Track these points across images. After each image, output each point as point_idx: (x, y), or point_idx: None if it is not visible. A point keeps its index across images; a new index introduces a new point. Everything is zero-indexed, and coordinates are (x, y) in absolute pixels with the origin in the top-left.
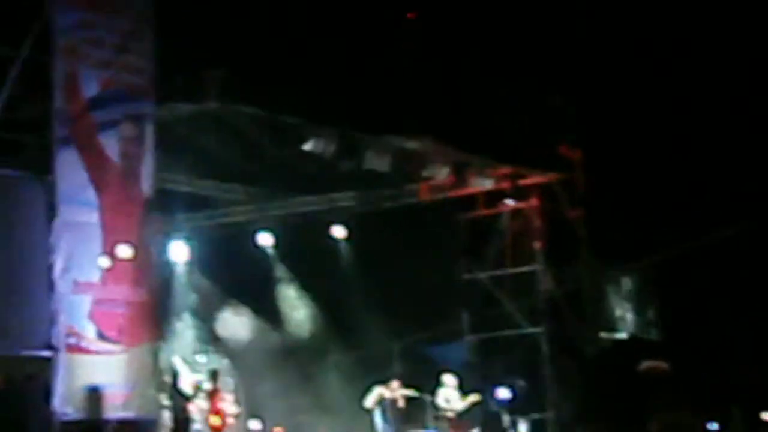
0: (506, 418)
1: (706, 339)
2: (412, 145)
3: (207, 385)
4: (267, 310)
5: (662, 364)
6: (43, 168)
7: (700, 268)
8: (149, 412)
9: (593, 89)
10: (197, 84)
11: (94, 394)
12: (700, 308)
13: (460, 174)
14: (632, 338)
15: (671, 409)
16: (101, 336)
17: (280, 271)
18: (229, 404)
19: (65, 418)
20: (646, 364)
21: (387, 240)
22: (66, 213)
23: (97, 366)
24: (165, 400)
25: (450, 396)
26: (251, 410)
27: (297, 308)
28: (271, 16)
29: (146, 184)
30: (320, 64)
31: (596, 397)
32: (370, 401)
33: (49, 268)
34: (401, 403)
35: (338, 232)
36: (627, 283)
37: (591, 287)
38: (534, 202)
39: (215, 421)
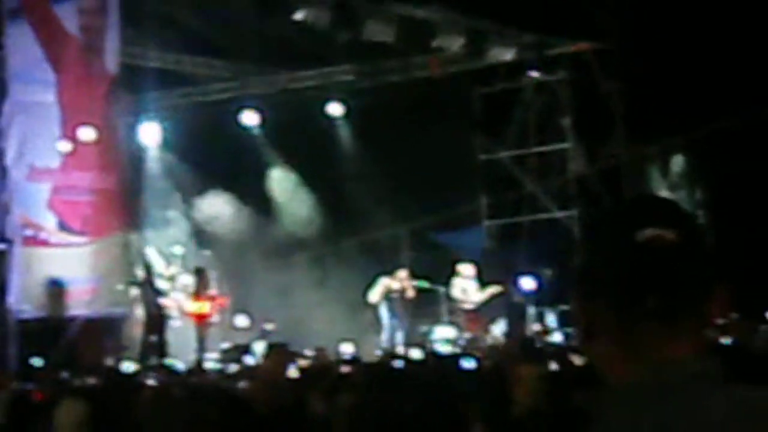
0: (531, 310)
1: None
2: (420, 12)
3: (184, 279)
4: (254, 196)
5: (669, 233)
6: None
7: (751, 147)
8: (118, 308)
9: None
10: None
11: (56, 289)
12: (752, 188)
13: (475, 44)
14: None
15: (671, 288)
16: (63, 227)
17: (268, 153)
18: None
19: (22, 316)
20: (647, 232)
21: (391, 118)
22: (18, 92)
23: (59, 259)
24: (137, 296)
25: (467, 287)
26: (237, 305)
27: (289, 194)
28: None
29: (111, 60)
30: None
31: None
32: (375, 294)
33: (1, 153)
34: (410, 295)
35: (335, 109)
36: (675, 161)
37: (628, 166)
38: (562, 74)
39: (202, 308)
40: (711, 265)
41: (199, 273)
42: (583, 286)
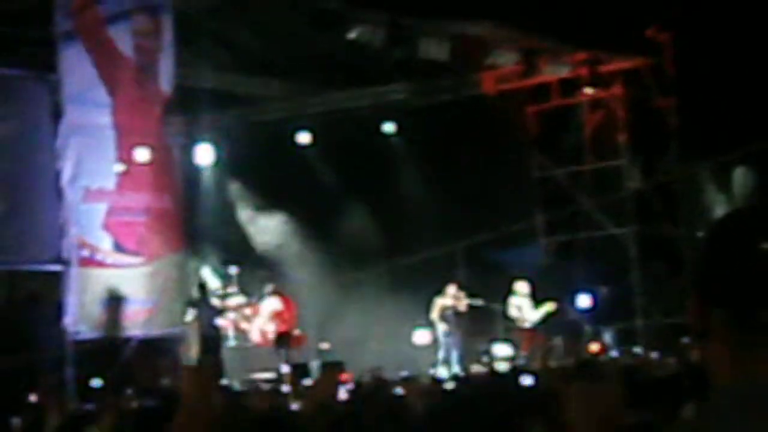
0: (588, 328)
1: None
2: (473, 29)
3: (233, 301)
4: (310, 216)
5: None
6: (47, 66)
7: None
8: (175, 329)
9: None
10: None
11: (112, 311)
12: None
13: (529, 61)
14: None
15: None
16: (118, 248)
17: (323, 173)
18: (265, 320)
19: (78, 337)
20: None
21: (446, 136)
22: (73, 114)
23: (115, 280)
24: (192, 316)
25: (522, 305)
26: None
27: (344, 212)
28: None
29: (165, 81)
30: None
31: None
32: (434, 313)
33: (57, 175)
34: (462, 309)
35: (388, 128)
36: (737, 175)
37: (684, 182)
38: (617, 90)
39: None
40: None
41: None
42: (703, 292)
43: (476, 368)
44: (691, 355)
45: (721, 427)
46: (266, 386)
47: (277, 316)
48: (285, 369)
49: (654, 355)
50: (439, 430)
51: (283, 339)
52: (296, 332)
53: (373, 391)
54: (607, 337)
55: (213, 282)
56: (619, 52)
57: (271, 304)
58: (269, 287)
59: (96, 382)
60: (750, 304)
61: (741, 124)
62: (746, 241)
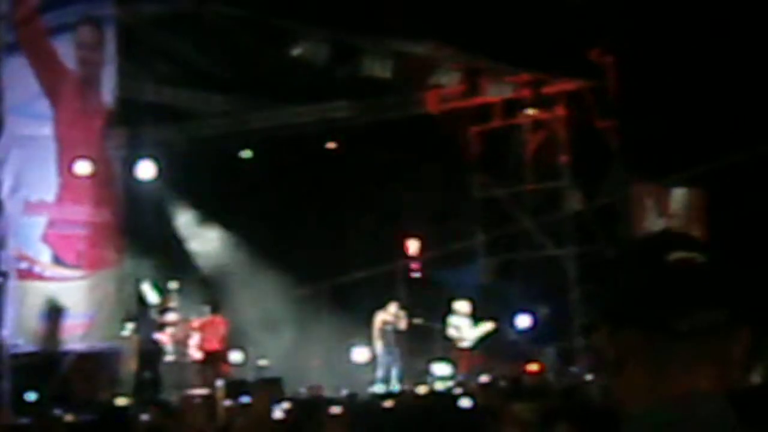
0: (527, 349)
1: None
2: (416, 49)
3: (172, 316)
4: (251, 232)
5: (698, 256)
6: None
7: (748, 182)
8: (113, 343)
9: None
10: None
11: (50, 324)
12: (753, 226)
13: (472, 81)
14: None
15: (705, 307)
16: (57, 260)
17: (265, 189)
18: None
19: (16, 350)
20: (676, 255)
21: (388, 154)
22: (15, 126)
23: (53, 293)
24: (131, 330)
25: (461, 324)
26: (231, 341)
27: (286, 229)
28: None
29: (108, 94)
30: None
31: None
32: (375, 327)
33: None
34: (402, 327)
35: (331, 145)
36: (674, 197)
37: (624, 204)
38: (559, 111)
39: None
40: (740, 295)
41: (213, 304)
42: (612, 315)
43: (415, 387)
44: None
45: None
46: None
47: (209, 333)
48: (219, 384)
49: (590, 376)
50: None
51: (210, 358)
52: (224, 355)
53: (310, 409)
54: (547, 357)
55: (152, 297)
56: (562, 74)
57: (207, 321)
58: (207, 305)
59: (30, 396)
60: (665, 318)
61: (681, 146)
62: (654, 256)
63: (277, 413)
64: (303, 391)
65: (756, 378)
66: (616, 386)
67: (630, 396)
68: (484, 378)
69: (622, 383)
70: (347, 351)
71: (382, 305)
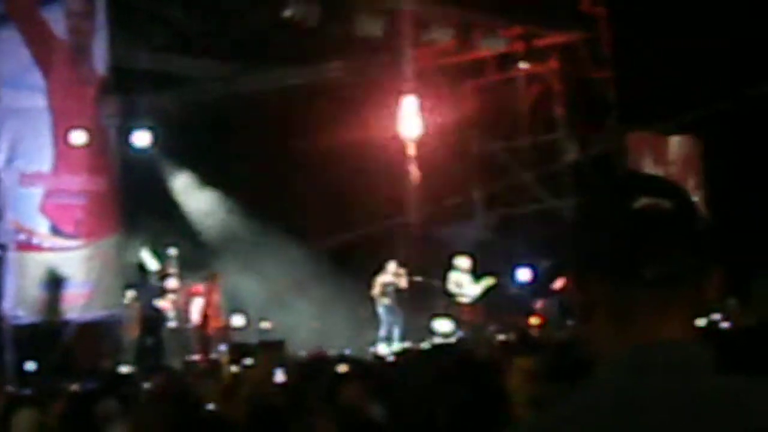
0: (528, 302)
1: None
2: (408, 5)
3: (173, 282)
4: (249, 196)
5: (664, 201)
6: None
7: (742, 128)
8: (114, 311)
9: None
10: None
11: (51, 294)
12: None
13: (465, 36)
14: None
15: (671, 254)
16: (55, 231)
17: (260, 152)
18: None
19: (17, 322)
20: (642, 201)
21: (382, 111)
22: (7, 97)
23: (53, 263)
24: (132, 298)
25: (462, 280)
26: (233, 305)
27: (283, 191)
28: None
29: (100, 63)
30: None
31: None
32: (375, 290)
33: None
34: (403, 285)
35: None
36: (671, 144)
37: (620, 154)
38: (553, 64)
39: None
40: (708, 239)
41: (212, 278)
42: (579, 261)
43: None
44: None
45: (609, 398)
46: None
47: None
48: (223, 349)
49: None
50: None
51: (206, 323)
52: (217, 320)
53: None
54: (548, 310)
55: (152, 264)
56: (554, 27)
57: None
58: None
59: (30, 366)
60: (632, 265)
61: (677, 93)
62: (620, 202)
63: (279, 376)
64: (304, 353)
65: (750, 320)
66: (585, 333)
67: (599, 343)
68: (486, 332)
69: (591, 330)
70: (348, 311)
71: (381, 263)
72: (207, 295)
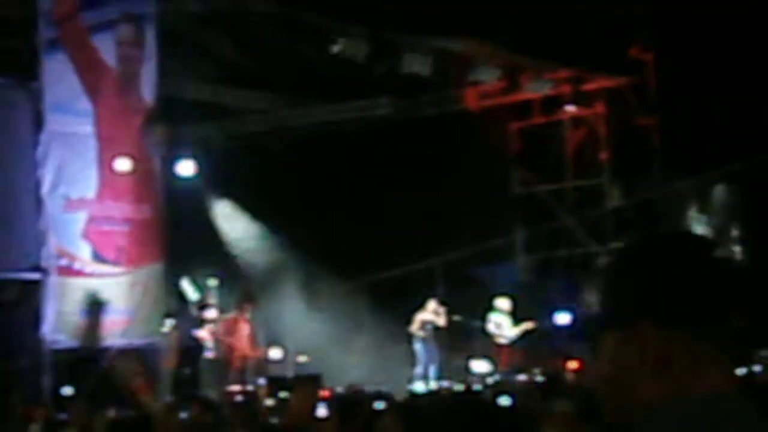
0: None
1: None
2: (456, 45)
3: (212, 313)
4: (292, 229)
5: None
6: (28, 74)
7: None
8: (153, 339)
9: None
10: None
11: (91, 320)
12: None
13: (512, 78)
14: None
15: (744, 307)
16: (97, 257)
17: (304, 185)
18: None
19: (56, 346)
20: (718, 254)
21: (427, 151)
22: (55, 123)
23: (94, 289)
24: (171, 327)
25: (502, 321)
26: (271, 337)
27: (326, 226)
28: None
29: (148, 92)
30: None
31: None
32: (413, 327)
33: (37, 183)
34: (442, 323)
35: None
36: (716, 193)
37: (664, 201)
38: (599, 108)
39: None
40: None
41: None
42: (654, 312)
43: (454, 385)
44: None
45: None
46: (240, 398)
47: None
48: (261, 382)
49: None
50: None
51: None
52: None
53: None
54: (587, 354)
55: (192, 293)
56: (602, 71)
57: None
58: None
59: (67, 391)
60: (715, 316)
61: (722, 142)
62: (700, 254)
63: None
64: (340, 389)
65: None
66: (617, 377)
67: (663, 393)
68: (522, 376)
69: (659, 378)
70: (387, 348)
71: (421, 302)
72: (233, 324)
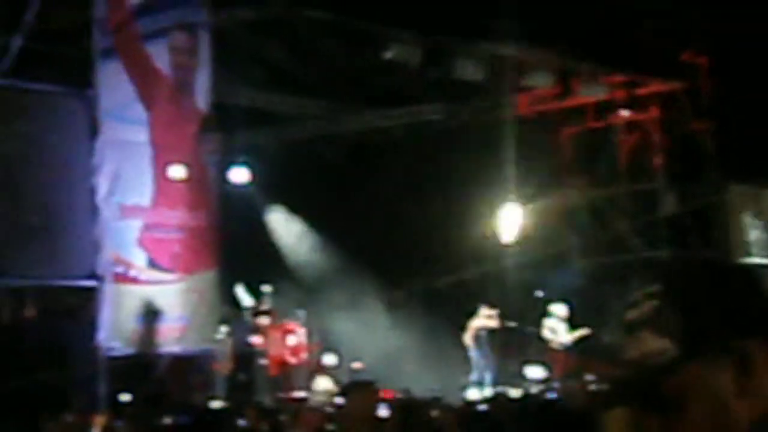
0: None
1: None
2: (509, 51)
3: (266, 319)
4: (345, 236)
5: None
6: (84, 82)
7: None
8: (208, 346)
9: None
10: None
11: (146, 327)
12: None
13: (565, 83)
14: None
15: None
16: (152, 264)
17: (357, 191)
18: (301, 338)
19: (112, 354)
20: None
21: (480, 157)
22: (110, 130)
23: (149, 296)
24: (226, 334)
25: (557, 327)
26: (326, 344)
27: (379, 233)
28: None
29: (202, 99)
30: None
31: None
32: (468, 335)
33: (92, 191)
34: (494, 325)
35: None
36: (766, 200)
37: (719, 207)
38: (653, 113)
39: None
40: None
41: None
42: (734, 324)
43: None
44: None
45: None
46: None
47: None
48: (321, 386)
49: None
50: None
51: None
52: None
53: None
54: None
55: (247, 300)
56: (656, 76)
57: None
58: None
59: (124, 397)
60: None
61: None
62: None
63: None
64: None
65: None
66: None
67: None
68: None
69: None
70: (440, 355)
71: (474, 308)
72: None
